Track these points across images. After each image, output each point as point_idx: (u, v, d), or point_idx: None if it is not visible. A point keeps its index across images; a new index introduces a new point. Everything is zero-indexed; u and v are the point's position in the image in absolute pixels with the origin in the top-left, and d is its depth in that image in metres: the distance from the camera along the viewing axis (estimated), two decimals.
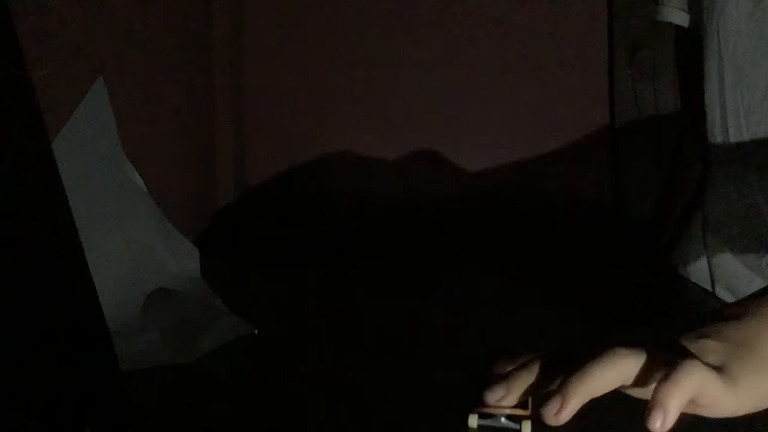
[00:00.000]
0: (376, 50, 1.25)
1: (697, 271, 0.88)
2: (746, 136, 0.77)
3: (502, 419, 0.45)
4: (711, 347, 0.42)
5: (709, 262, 0.85)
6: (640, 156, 1.15)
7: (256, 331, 0.64)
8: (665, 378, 0.38)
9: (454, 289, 0.87)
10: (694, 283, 0.88)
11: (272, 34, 1.26)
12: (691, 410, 0.40)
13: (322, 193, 1.22)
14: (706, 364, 0.39)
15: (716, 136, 0.81)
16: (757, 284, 0.76)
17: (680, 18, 0.89)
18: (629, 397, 0.44)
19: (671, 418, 0.38)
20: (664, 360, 0.40)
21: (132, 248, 0.65)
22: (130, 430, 0.40)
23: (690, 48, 0.89)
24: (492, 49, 1.24)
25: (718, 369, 0.40)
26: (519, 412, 0.45)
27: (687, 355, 0.40)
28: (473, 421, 0.45)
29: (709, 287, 0.86)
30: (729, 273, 0.81)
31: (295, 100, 1.27)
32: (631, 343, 0.41)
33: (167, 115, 0.99)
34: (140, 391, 0.51)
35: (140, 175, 0.68)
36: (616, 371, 0.40)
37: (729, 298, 0.81)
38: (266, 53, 1.26)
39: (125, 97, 0.83)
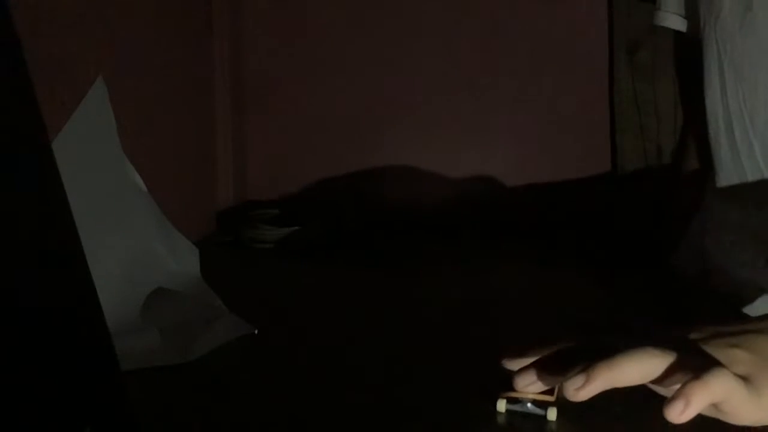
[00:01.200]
0: (376, 51, 1.25)
1: (696, 272, 0.88)
2: (754, 140, 0.77)
3: (529, 405, 0.48)
4: (740, 357, 0.43)
5: (706, 265, 0.85)
6: (640, 156, 1.15)
7: (256, 331, 0.64)
8: (695, 377, 0.39)
9: (454, 289, 0.87)
10: (693, 283, 0.88)
11: (272, 35, 1.26)
12: (713, 414, 0.41)
13: (322, 193, 1.22)
14: (735, 374, 0.40)
15: (721, 142, 0.80)
16: (753, 290, 0.77)
17: (677, 23, 0.88)
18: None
19: (691, 412, 0.38)
20: (693, 365, 0.40)
21: (132, 248, 0.65)
22: (130, 430, 0.40)
23: (690, 48, 0.89)
24: (492, 50, 1.24)
25: (745, 379, 0.41)
26: (545, 398, 0.47)
27: (717, 363, 0.41)
28: (501, 405, 0.48)
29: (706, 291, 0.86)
30: (726, 277, 0.81)
31: (295, 100, 1.27)
32: (662, 343, 0.42)
33: (167, 116, 0.99)
34: (140, 391, 0.51)
35: (140, 175, 0.68)
36: (642, 368, 0.41)
37: (725, 303, 0.82)
38: (266, 53, 1.26)
39: (125, 98, 0.83)
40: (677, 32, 0.92)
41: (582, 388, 0.41)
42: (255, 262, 1.01)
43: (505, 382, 0.47)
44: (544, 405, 0.47)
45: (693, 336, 0.45)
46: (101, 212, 0.61)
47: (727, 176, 0.81)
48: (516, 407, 0.48)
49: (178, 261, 0.69)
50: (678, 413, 0.38)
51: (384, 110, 1.26)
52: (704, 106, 0.82)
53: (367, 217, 1.20)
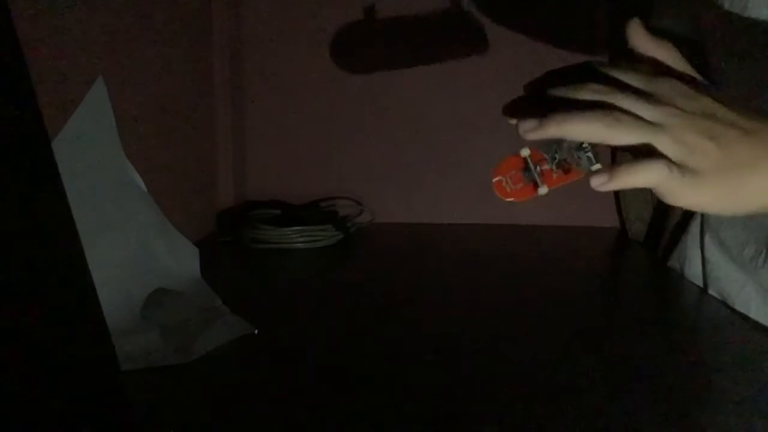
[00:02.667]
0: (376, 51, 1.25)
1: (694, 272, 0.88)
2: None
3: (538, 168, 0.51)
4: (708, 149, 0.43)
5: (704, 264, 0.85)
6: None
7: (256, 331, 0.64)
8: (628, 165, 0.44)
9: (454, 288, 0.87)
10: (691, 283, 0.88)
11: (272, 35, 1.26)
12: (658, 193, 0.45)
13: (322, 193, 1.22)
14: (673, 163, 0.43)
15: None
16: (749, 289, 0.76)
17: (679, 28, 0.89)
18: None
19: (610, 187, 0.45)
20: (641, 149, 0.44)
21: (132, 248, 0.65)
22: (130, 430, 0.40)
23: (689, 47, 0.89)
24: (492, 51, 1.24)
25: (686, 167, 0.43)
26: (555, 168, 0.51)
27: (660, 155, 0.44)
28: (525, 151, 0.52)
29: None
30: (723, 276, 0.81)
31: (296, 101, 1.27)
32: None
33: (167, 116, 0.99)
34: (140, 391, 0.51)
35: (140, 175, 0.68)
36: (588, 133, 0.45)
37: (720, 301, 0.82)
38: (266, 53, 1.26)
39: (125, 98, 0.83)
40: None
41: (532, 131, 0.47)
42: (255, 262, 1.01)
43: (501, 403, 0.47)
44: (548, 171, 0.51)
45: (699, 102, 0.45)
46: (101, 212, 0.61)
47: None
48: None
49: (178, 261, 0.69)
50: (598, 184, 0.45)
51: (384, 110, 1.26)
52: None
53: (367, 218, 1.20)
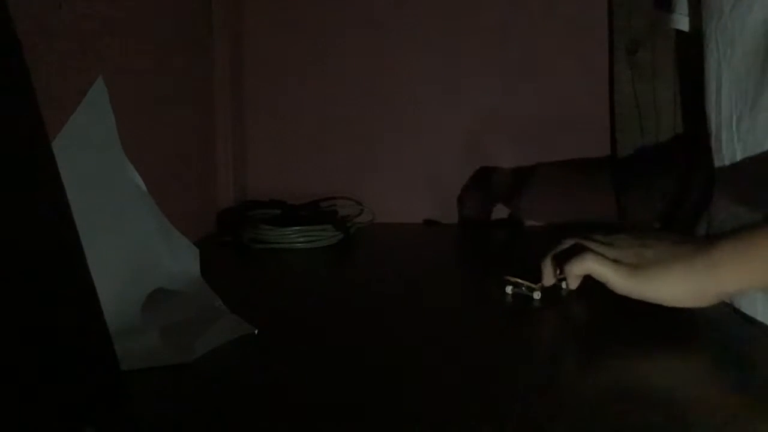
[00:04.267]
0: (377, 51, 1.25)
1: None
2: (737, 145, 0.77)
3: (523, 288, 0.76)
4: (634, 252, 0.68)
5: None
6: (640, 156, 1.15)
7: (256, 331, 0.64)
8: (569, 265, 0.71)
9: (454, 289, 0.87)
10: None
11: (273, 35, 1.26)
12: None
13: (322, 193, 1.22)
14: (607, 258, 0.68)
15: (714, 144, 0.81)
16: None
17: (687, 25, 0.90)
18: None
19: (573, 285, 0.73)
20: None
21: (132, 248, 0.65)
22: (130, 430, 0.40)
23: (689, 49, 0.89)
24: (492, 51, 1.24)
25: (630, 264, 0.66)
26: (533, 285, 0.76)
27: (596, 251, 0.69)
28: (509, 289, 0.77)
29: None
30: None
31: (295, 100, 1.27)
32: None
33: (167, 116, 0.99)
34: (140, 391, 0.51)
35: (140, 175, 0.68)
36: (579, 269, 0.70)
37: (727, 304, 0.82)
38: (267, 53, 1.26)
39: (125, 98, 0.83)
40: (677, 32, 0.93)
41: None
42: (255, 262, 1.01)
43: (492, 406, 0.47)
44: (532, 289, 0.76)
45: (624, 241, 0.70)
46: (101, 212, 0.61)
47: (723, 177, 0.81)
48: (516, 290, 0.77)
49: (178, 261, 0.69)
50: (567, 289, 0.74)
51: (385, 110, 1.26)
52: (704, 107, 0.83)
53: (367, 218, 1.20)
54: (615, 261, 0.67)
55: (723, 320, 0.72)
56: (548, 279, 0.75)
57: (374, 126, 1.27)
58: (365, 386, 0.55)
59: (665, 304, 0.65)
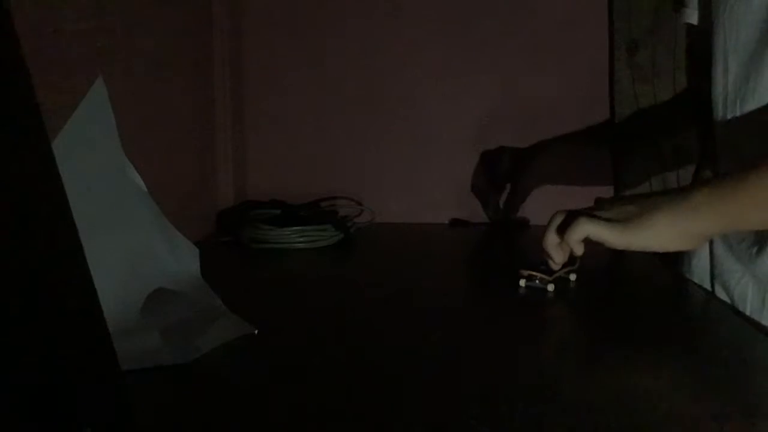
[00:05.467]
0: (377, 51, 1.25)
1: (700, 269, 0.88)
2: (739, 129, 0.78)
3: (537, 281, 0.79)
4: (624, 209, 0.71)
5: (711, 259, 0.86)
6: (640, 156, 1.15)
7: (256, 331, 0.64)
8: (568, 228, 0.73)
9: (454, 289, 0.87)
10: (692, 282, 0.88)
11: (273, 34, 1.26)
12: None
13: (322, 193, 1.22)
14: (600, 218, 0.71)
15: (718, 132, 0.81)
16: (746, 279, 0.77)
17: (696, 18, 0.90)
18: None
19: (578, 252, 0.75)
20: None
21: (132, 248, 0.65)
22: (130, 430, 0.40)
23: (689, 49, 0.90)
24: (492, 51, 1.24)
25: (617, 221, 0.70)
26: (547, 277, 0.79)
27: (591, 215, 0.73)
28: (522, 282, 0.80)
29: (709, 286, 0.87)
30: (725, 269, 0.82)
31: (296, 100, 1.27)
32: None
33: (167, 116, 0.99)
34: (140, 391, 0.51)
35: (140, 175, 0.68)
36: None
37: (723, 295, 0.82)
38: (267, 53, 1.26)
39: (125, 98, 0.83)
40: (678, 32, 0.93)
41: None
42: (255, 262, 1.01)
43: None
44: (545, 282, 0.79)
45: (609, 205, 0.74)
46: (101, 212, 0.61)
47: (725, 167, 0.82)
48: (530, 283, 0.80)
49: (178, 261, 0.69)
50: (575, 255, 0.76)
51: (385, 110, 1.26)
52: (705, 105, 0.83)
53: (367, 218, 1.20)
54: (608, 220, 0.71)
55: (723, 320, 0.72)
56: (556, 254, 0.77)
57: (374, 126, 1.27)
58: (365, 386, 0.55)
59: (656, 250, 0.71)
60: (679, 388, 0.55)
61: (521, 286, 0.79)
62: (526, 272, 0.80)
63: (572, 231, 0.72)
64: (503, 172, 1.20)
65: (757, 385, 0.57)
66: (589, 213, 0.73)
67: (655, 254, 0.80)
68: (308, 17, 1.26)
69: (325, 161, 1.27)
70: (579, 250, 0.75)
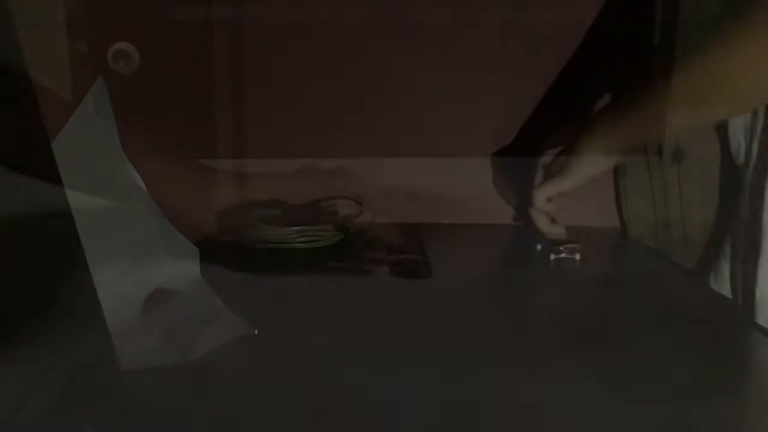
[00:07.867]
0: (377, 51, 1.25)
1: (720, 278, 0.87)
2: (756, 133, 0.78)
3: (563, 253, 0.91)
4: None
5: (731, 268, 0.85)
6: (640, 156, 1.15)
7: (256, 331, 0.64)
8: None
9: (454, 289, 0.87)
10: (692, 282, 0.88)
11: (273, 34, 1.26)
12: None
13: (322, 194, 1.22)
14: (553, 177, 0.93)
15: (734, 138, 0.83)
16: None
17: None
18: None
19: (537, 203, 0.94)
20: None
21: (132, 248, 0.65)
22: (130, 431, 0.40)
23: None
24: (492, 51, 1.24)
25: (557, 175, 0.92)
26: (575, 245, 0.92)
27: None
28: (552, 256, 0.91)
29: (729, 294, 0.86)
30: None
31: (296, 100, 1.27)
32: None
33: (168, 116, 0.99)
34: (141, 390, 0.51)
35: (140, 175, 0.68)
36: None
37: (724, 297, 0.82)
38: (267, 53, 1.26)
39: (125, 98, 0.83)
40: None
41: None
42: (255, 262, 1.01)
43: None
44: (574, 251, 0.91)
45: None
46: (101, 212, 0.61)
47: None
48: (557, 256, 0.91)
49: (178, 261, 0.69)
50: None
51: (385, 111, 1.26)
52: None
53: (366, 218, 1.19)
54: (557, 174, 0.92)
55: (723, 320, 0.72)
56: (543, 224, 0.96)
57: (374, 126, 1.26)
58: (365, 386, 0.55)
59: (589, 180, 0.91)
60: (679, 389, 0.55)
61: (551, 260, 0.91)
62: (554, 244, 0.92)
63: (538, 193, 0.93)
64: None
65: None
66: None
67: None
68: (310, 18, 1.25)
69: (326, 162, 1.27)
70: (551, 207, 0.93)
